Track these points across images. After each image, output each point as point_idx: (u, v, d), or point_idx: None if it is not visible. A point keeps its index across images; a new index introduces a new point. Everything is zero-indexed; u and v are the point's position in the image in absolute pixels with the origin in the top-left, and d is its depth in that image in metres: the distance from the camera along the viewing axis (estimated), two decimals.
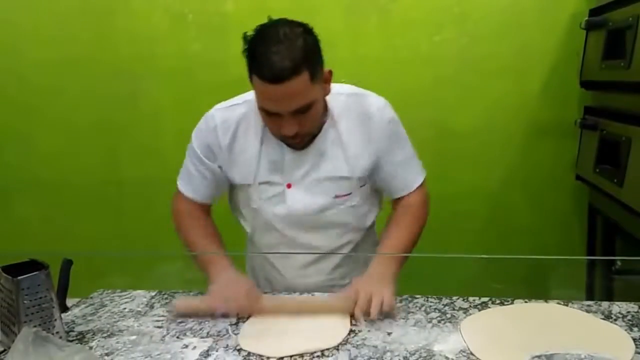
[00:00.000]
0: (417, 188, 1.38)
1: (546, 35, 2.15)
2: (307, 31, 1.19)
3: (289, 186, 1.32)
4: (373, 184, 1.39)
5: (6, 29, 2.40)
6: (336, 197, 1.33)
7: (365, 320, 1.14)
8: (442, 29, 2.19)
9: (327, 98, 1.28)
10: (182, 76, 2.34)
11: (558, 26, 2.14)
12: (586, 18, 1.93)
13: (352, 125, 1.30)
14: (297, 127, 1.19)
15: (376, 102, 1.33)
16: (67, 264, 1.22)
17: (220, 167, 1.36)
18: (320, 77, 1.19)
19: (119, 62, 2.35)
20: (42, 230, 2.51)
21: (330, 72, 1.24)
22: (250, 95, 1.28)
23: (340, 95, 1.31)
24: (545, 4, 2.13)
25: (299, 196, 1.32)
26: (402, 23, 2.19)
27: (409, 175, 1.37)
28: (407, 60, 2.19)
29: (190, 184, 1.41)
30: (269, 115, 1.20)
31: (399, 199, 1.39)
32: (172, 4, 2.30)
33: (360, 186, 1.34)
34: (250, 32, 1.18)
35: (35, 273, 1.06)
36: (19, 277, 1.03)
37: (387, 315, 1.15)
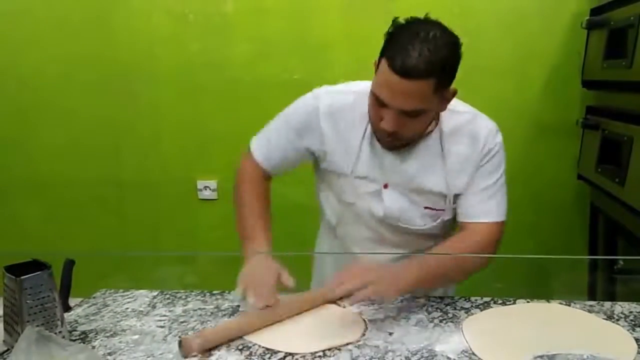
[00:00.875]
0: (488, 225, 1.25)
1: (547, 34, 2.15)
2: (455, 44, 1.15)
3: (385, 186, 1.29)
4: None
5: (7, 28, 2.40)
6: (426, 208, 1.29)
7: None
8: None
9: (442, 113, 1.25)
10: (182, 77, 2.34)
11: (559, 26, 2.14)
12: (587, 17, 1.93)
13: (459, 143, 1.25)
14: (397, 127, 1.15)
15: (487, 126, 1.27)
16: (70, 264, 1.23)
17: (308, 149, 1.33)
18: (444, 92, 1.16)
19: (120, 62, 2.35)
20: (44, 230, 2.51)
21: (455, 93, 1.20)
22: (357, 86, 1.28)
23: (453, 112, 1.26)
24: (546, 3, 2.13)
25: (395, 199, 1.28)
26: None
27: (485, 205, 1.26)
28: None
29: (266, 149, 1.38)
30: (377, 102, 1.16)
31: (464, 224, 1.28)
32: (172, 4, 2.30)
33: (454, 204, 1.29)
34: (402, 19, 1.16)
35: (38, 273, 1.06)
36: (22, 277, 1.04)
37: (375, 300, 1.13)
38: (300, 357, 1.02)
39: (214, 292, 1.35)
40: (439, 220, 1.30)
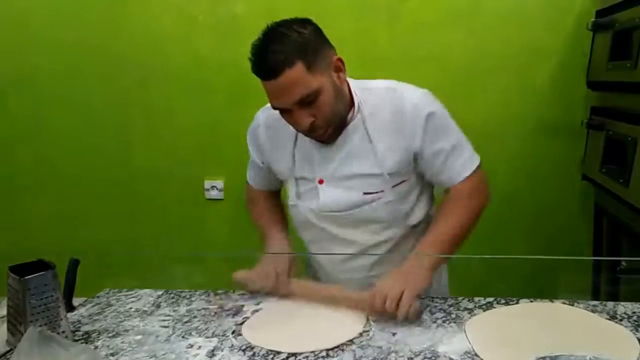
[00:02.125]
0: (468, 176, 1.32)
1: (553, 36, 2.15)
2: (304, 25, 1.21)
3: (320, 182, 1.33)
4: (421, 181, 1.37)
5: (20, 26, 2.42)
6: (365, 194, 1.32)
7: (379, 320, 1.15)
8: (450, 30, 2.18)
9: (361, 93, 1.31)
10: (191, 77, 2.35)
11: (565, 27, 2.13)
12: (592, 19, 1.92)
13: (384, 121, 1.29)
14: (309, 118, 1.20)
15: (411, 97, 1.29)
16: (74, 264, 1.23)
17: (264, 163, 1.45)
18: (325, 65, 1.20)
19: (130, 62, 2.36)
20: (50, 229, 2.52)
21: (340, 60, 1.24)
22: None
23: (376, 89, 1.32)
24: (551, 4, 2.12)
25: (330, 192, 1.33)
26: (411, 24, 2.19)
27: (456, 165, 1.32)
28: (416, 60, 2.19)
29: (252, 175, 1.54)
30: (283, 112, 1.23)
31: (446, 190, 1.36)
32: (182, 5, 2.31)
33: (395, 184, 1.31)
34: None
35: (42, 273, 1.06)
36: (26, 277, 1.04)
37: (405, 317, 1.14)
38: (303, 357, 1.03)
39: (219, 291, 1.36)
40: (380, 202, 1.32)
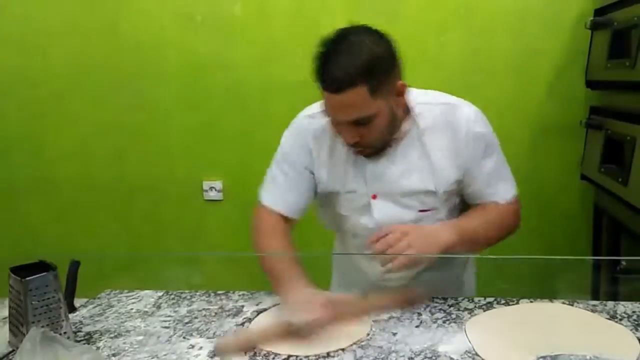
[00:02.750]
0: (512, 201, 1.30)
1: (551, 35, 2.15)
2: (379, 42, 1.16)
3: (374, 197, 1.28)
4: (462, 198, 1.34)
5: (19, 33, 2.42)
6: (420, 211, 1.28)
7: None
8: (448, 29, 2.19)
9: (420, 107, 1.26)
10: (188, 78, 2.35)
11: (563, 26, 2.14)
12: (591, 18, 1.92)
13: (440, 137, 1.25)
14: (356, 137, 1.18)
15: (466, 114, 1.26)
16: (75, 265, 1.24)
17: (311, 171, 1.32)
18: (388, 90, 1.16)
19: (127, 64, 2.36)
20: (51, 230, 2.52)
21: (404, 85, 1.20)
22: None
23: (429, 105, 1.27)
24: (550, 4, 2.12)
25: (385, 208, 1.28)
26: (409, 23, 2.19)
27: (498, 187, 1.29)
28: (414, 60, 2.17)
29: (279, 193, 1.33)
30: (331, 120, 1.20)
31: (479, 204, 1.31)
32: (179, 6, 2.31)
33: (446, 200, 1.29)
34: (327, 36, 1.16)
35: (43, 274, 1.07)
36: (27, 278, 1.05)
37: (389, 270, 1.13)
38: (304, 357, 1.03)
39: (219, 292, 1.36)
40: (433, 219, 1.28)
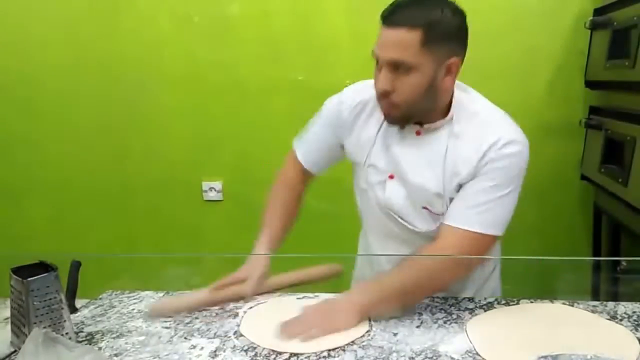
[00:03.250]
0: (462, 234, 1.17)
1: (551, 35, 2.15)
2: (453, 9, 1.18)
3: (391, 177, 1.28)
4: None
5: (14, 33, 2.42)
6: (424, 209, 1.26)
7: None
8: None
9: (464, 104, 1.24)
10: (187, 78, 2.35)
11: (562, 26, 2.14)
12: (590, 17, 1.93)
13: (463, 146, 1.20)
14: (389, 84, 1.16)
15: (499, 134, 1.19)
16: (76, 266, 1.24)
17: (339, 141, 1.38)
18: (439, 55, 1.14)
19: (126, 64, 2.37)
20: (51, 232, 2.53)
21: (457, 64, 1.19)
22: None
23: (472, 115, 1.23)
24: (549, 3, 2.12)
25: (397, 191, 1.28)
26: None
27: (468, 211, 1.18)
28: None
29: (305, 147, 1.45)
30: (376, 66, 1.19)
31: (442, 227, 1.22)
32: (177, 6, 2.31)
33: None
34: None
35: (44, 275, 1.07)
36: (28, 279, 1.05)
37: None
38: (305, 357, 1.03)
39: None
40: (438, 224, 1.24)
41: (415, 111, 1.21)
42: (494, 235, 1.19)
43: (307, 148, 1.45)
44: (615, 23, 1.78)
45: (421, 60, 1.13)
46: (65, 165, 2.48)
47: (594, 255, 2.08)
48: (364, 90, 1.32)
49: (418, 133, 1.25)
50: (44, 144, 2.49)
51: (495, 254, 1.38)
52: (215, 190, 2.43)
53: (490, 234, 1.18)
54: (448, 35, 1.15)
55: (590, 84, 2.01)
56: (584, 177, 2.04)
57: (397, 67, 1.14)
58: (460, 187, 1.21)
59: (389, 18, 1.14)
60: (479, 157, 1.18)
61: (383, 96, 1.19)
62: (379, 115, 1.28)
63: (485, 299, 1.24)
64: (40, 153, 2.49)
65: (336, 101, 1.37)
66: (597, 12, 1.93)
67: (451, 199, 1.22)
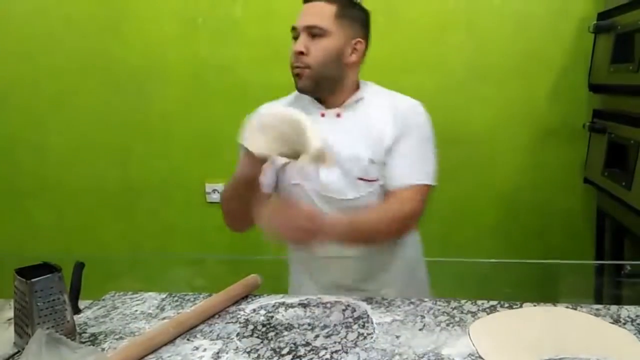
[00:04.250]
0: (411, 188, 1.34)
1: (554, 38, 2.15)
2: (359, 4, 1.41)
3: None
4: None
5: (18, 37, 2.44)
6: (360, 179, 1.36)
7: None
8: (449, 34, 2.20)
9: (364, 87, 1.43)
10: (191, 80, 2.36)
11: (566, 29, 2.14)
12: (594, 22, 1.93)
13: (382, 114, 1.38)
14: (304, 47, 1.34)
15: (408, 101, 1.42)
16: (80, 267, 1.24)
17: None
18: (348, 31, 1.36)
19: (130, 66, 2.38)
20: (55, 233, 2.53)
21: (361, 44, 1.39)
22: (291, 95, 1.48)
23: (378, 93, 1.44)
24: (553, 8, 2.13)
25: (331, 171, 1.35)
26: (410, 28, 2.20)
27: (408, 169, 1.35)
28: (415, 65, 2.20)
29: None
30: (293, 37, 1.38)
31: (387, 193, 1.37)
32: (181, 8, 2.32)
33: (383, 175, 1.37)
34: None
35: (48, 275, 1.07)
36: (32, 280, 1.05)
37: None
38: (307, 359, 1.03)
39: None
40: (371, 189, 1.36)
41: (324, 77, 1.36)
42: (432, 185, 1.37)
43: None
44: (619, 27, 1.78)
45: (333, 29, 1.34)
46: (69, 167, 2.49)
47: (598, 259, 2.08)
48: (274, 104, 1.45)
49: (339, 115, 1.40)
50: (48, 146, 2.49)
51: (416, 247, 1.54)
52: (218, 192, 2.43)
53: (430, 184, 1.36)
54: (357, 19, 1.39)
55: (594, 88, 2.01)
56: (587, 181, 2.03)
57: (312, 34, 1.34)
58: (388, 151, 1.36)
59: None
60: (397, 120, 1.37)
61: (298, 57, 1.35)
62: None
63: (488, 301, 1.24)
64: (44, 155, 2.50)
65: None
66: (601, 16, 1.93)
67: (382, 163, 1.36)
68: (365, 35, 1.42)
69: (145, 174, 2.46)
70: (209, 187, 2.43)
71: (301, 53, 1.35)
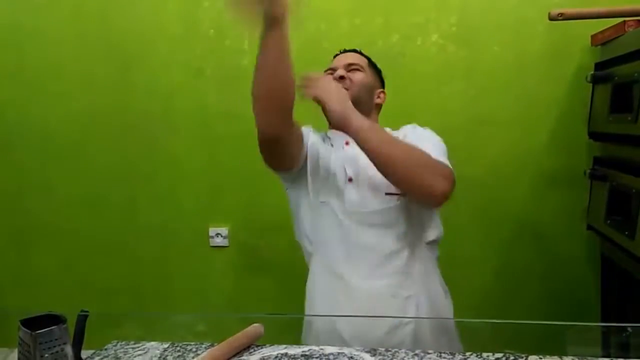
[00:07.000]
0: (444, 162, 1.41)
1: (553, 86, 2.18)
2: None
3: (350, 180, 1.45)
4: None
5: (31, 83, 2.48)
6: (387, 194, 1.41)
7: None
8: (450, 81, 2.23)
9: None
10: (197, 127, 2.39)
11: (564, 78, 2.17)
12: (592, 72, 1.95)
13: (395, 132, 1.52)
14: (345, 74, 1.51)
15: (412, 124, 1.56)
16: (83, 318, 1.23)
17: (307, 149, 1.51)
18: (375, 81, 1.59)
19: (138, 114, 2.41)
20: (59, 279, 2.52)
21: (382, 97, 1.60)
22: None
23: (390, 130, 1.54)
24: (550, 56, 2.16)
25: (355, 191, 1.44)
26: (412, 75, 2.24)
27: (435, 154, 1.39)
28: (416, 111, 2.23)
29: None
30: (334, 68, 1.55)
31: None
32: (190, 59, 2.37)
33: None
34: None
35: (52, 328, 1.07)
36: (36, 332, 1.05)
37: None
38: None
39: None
40: (398, 203, 1.41)
41: (359, 101, 1.44)
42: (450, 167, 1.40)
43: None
44: (616, 78, 1.79)
45: (366, 68, 1.57)
46: (75, 213, 2.50)
47: (604, 305, 2.05)
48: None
49: None
50: (55, 191, 2.51)
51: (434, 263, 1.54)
52: (221, 236, 2.43)
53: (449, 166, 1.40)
54: (379, 74, 1.64)
55: (593, 136, 2.01)
56: (590, 227, 2.02)
57: (350, 67, 1.54)
58: None
59: (343, 50, 1.63)
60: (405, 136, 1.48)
61: (341, 77, 1.50)
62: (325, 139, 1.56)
63: (493, 354, 1.23)
64: (51, 200, 2.51)
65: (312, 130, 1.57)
66: (598, 66, 1.95)
67: None
68: (384, 88, 1.63)
69: (151, 218, 2.46)
70: (212, 231, 2.44)
71: (342, 77, 1.50)
